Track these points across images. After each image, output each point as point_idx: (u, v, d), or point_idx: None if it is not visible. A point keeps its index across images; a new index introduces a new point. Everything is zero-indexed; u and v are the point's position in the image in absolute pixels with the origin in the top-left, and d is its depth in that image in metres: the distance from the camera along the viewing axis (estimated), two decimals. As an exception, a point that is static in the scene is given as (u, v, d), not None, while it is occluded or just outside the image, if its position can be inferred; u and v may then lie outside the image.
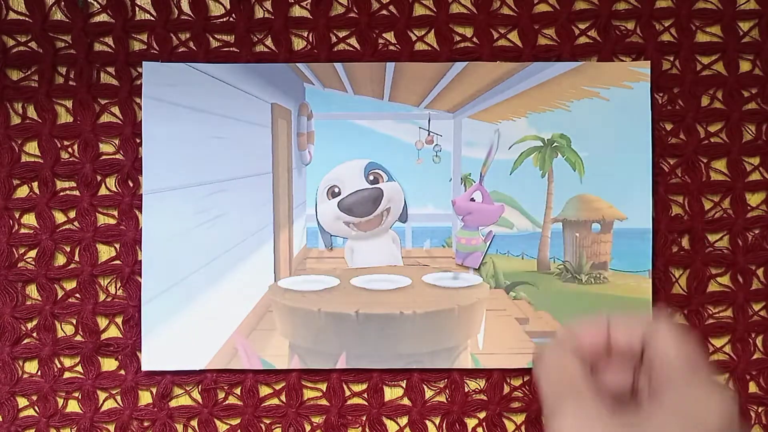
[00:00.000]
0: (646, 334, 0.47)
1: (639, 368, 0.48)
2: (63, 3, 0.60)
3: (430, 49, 0.61)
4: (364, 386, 0.61)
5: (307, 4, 0.61)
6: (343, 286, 0.61)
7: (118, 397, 0.60)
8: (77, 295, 0.60)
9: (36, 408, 0.60)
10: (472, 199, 0.60)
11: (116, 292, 0.60)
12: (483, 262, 0.61)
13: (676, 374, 0.44)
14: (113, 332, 0.60)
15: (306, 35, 0.61)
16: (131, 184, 0.60)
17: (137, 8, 0.61)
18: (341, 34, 0.61)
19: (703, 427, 0.41)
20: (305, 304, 0.60)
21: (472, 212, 0.60)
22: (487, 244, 0.60)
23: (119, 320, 0.60)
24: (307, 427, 0.61)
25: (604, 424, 0.42)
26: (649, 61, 0.60)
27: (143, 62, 0.59)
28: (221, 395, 0.60)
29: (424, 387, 0.61)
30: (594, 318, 0.51)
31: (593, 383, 0.46)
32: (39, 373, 0.60)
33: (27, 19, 0.60)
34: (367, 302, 0.60)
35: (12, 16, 0.60)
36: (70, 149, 0.60)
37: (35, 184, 0.60)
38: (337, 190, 0.61)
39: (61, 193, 0.60)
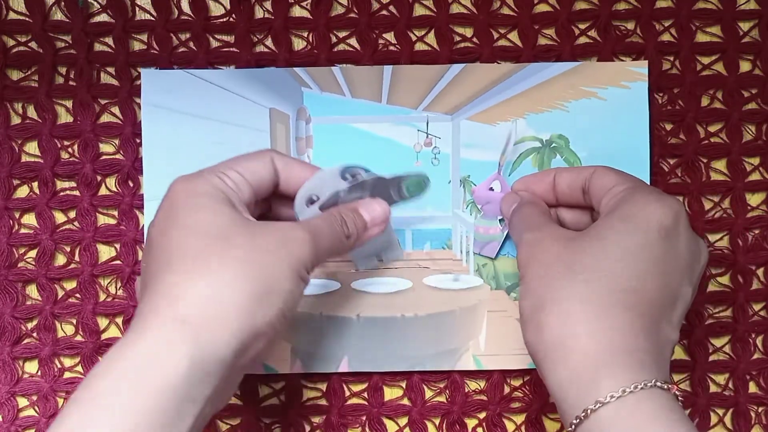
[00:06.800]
0: (586, 177, 0.52)
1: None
2: (63, 3, 0.60)
3: (430, 49, 0.61)
4: (364, 386, 0.61)
5: (307, 5, 0.61)
6: (344, 290, 0.61)
7: (119, 397, 0.60)
8: (77, 296, 0.60)
9: (36, 408, 0.60)
10: (491, 189, 0.60)
11: (116, 293, 0.60)
12: (500, 253, 0.60)
13: (616, 197, 0.48)
14: (113, 332, 0.61)
15: (306, 35, 0.61)
16: (131, 185, 0.60)
17: (137, 8, 0.61)
18: (341, 35, 0.61)
19: (646, 227, 0.45)
20: (306, 307, 0.60)
21: (491, 201, 0.60)
22: (505, 233, 0.60)
23: (119, 320, 0.60)
24: (307, 428, 0.61)
25: (556, 235, 0.48)
26: (646, 61, 0.60)
27: (142, 70, 0.59)
28: (221, 395, 0.60)
29: (424, 387, 0.61)
30: (542, 171, 0.58)
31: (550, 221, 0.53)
32: (39, 373, 0.60)
33: (27, 19, 0.60)
34: (368, 305, 0.60)
35: (12, 16, 0.60)
36: (70, 149, 0.60)
37: (35, 184, 0.60)
38: (315, 198, 0.53)
39: (61, 193, 0.60)
